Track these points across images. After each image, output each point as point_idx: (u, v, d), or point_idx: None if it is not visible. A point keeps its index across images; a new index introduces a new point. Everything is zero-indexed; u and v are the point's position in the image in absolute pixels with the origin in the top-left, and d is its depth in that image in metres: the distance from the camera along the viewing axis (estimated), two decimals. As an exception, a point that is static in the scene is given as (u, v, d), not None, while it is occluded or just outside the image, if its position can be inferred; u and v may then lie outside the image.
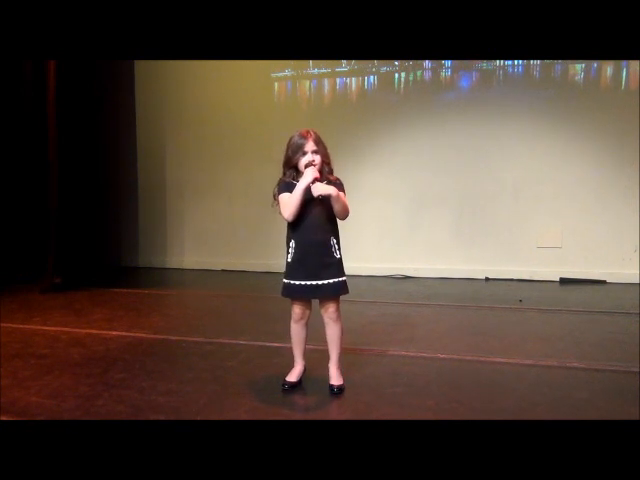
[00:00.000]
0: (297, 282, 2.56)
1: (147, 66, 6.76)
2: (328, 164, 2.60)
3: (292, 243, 2.59)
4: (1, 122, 5.57)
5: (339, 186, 2.59)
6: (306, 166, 2.52)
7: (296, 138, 2.56)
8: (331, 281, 2.55)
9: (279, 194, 2.59)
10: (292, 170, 2.59)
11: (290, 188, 2.55)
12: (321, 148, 2.56)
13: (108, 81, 6.44)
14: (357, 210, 5.96)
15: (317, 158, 2.54)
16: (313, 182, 2.48)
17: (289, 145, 2.58)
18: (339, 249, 2.61)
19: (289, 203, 2.53)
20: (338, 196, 2.52)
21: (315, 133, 2.58)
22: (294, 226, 2.58)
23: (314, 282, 2.54)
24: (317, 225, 2.56)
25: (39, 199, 5.64)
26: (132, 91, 6.91)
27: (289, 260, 2.60)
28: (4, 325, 3.96)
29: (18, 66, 5.63)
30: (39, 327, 3.95)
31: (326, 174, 2.58)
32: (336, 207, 2.55)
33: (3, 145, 5.59)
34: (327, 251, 2.57)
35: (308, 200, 2.52)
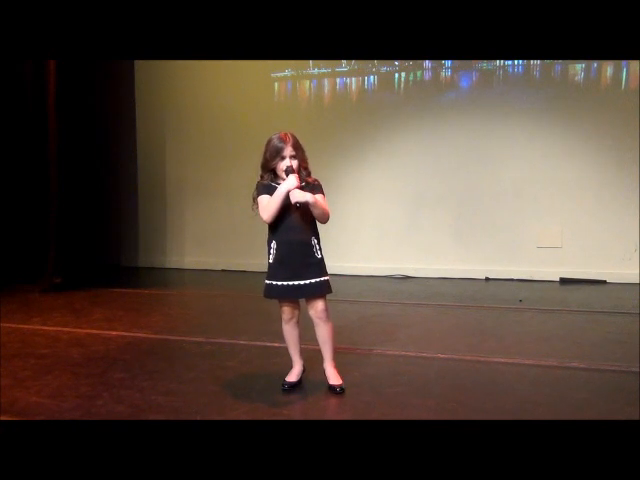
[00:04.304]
0: (279, 283, 2.57)
1: (147, 66, 6.75)
2: (306, 168, 2.60)
3: (273, 244, 2.60)
4: (1, 122, 5.56)
5: (317, 187, 2.59)
6: (286, 172, 2.51)
7: (275, 142, 2.55)
8: (313, 281, 2.56)
9: (258, 196, 2.59)
10: (270, 173, 2.59)
11: (269, 190, 2.56)
12: (299, 152, 2.56)
13: (108, 81, 6.43)
14: (357, 210, 6.08)
15: (295, 163, 2.53)
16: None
17: (267, 148, 2.57)
18: (320, 249, 2.62)
19: (269, 206, 2.53)
20: (315, 202, 2.52)
21: (294, 137, 2.58)
22: (275, 227, 2.59)
23: (297, 282, 2.55)
24: (298, 226, 2.56)
25: (39, 199, 5.63)
26: (132, 91, 6.90)
27: (271, 261, 2.61)
28: (4, 325, 3.96)
29: (18, 66, 5.62)
30: (39, 327, 3.95)
31: (304, 177, 2.57)
32: (315, 212, 2.56)
33: (3, 145, 5.58)
34: (309, 251, 2.58)
35: (288, 202, 2.51)
